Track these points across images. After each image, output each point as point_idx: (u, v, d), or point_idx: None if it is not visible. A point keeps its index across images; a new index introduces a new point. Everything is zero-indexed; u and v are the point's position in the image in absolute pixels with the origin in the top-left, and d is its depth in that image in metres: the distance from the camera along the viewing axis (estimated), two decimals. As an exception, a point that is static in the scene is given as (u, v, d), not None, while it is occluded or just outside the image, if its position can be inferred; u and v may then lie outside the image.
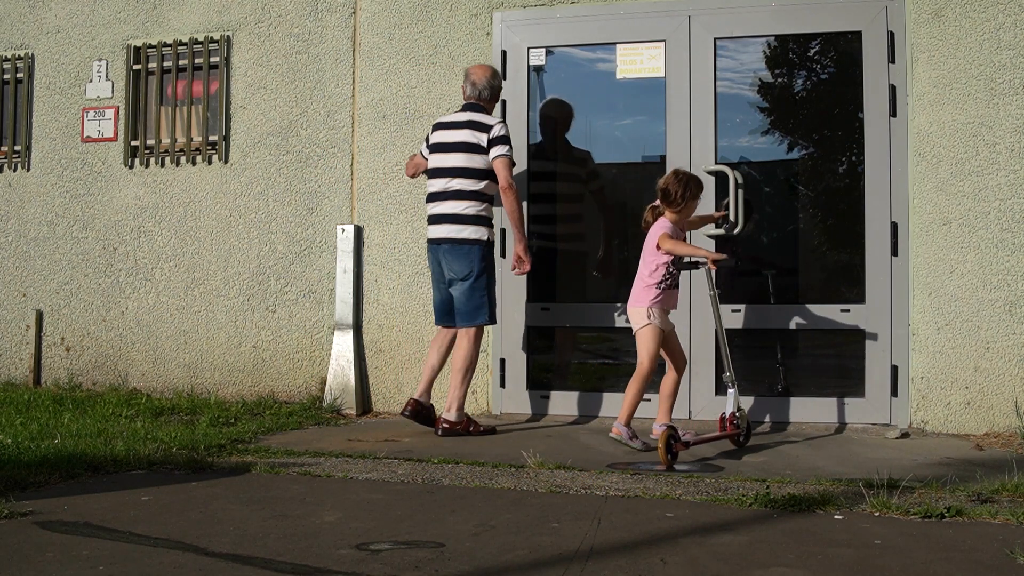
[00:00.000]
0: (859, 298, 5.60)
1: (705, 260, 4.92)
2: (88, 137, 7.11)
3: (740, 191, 5.48)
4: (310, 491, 4.02)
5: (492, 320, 5.57)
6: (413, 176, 5.95)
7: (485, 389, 6.15)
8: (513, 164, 5.49)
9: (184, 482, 4.18)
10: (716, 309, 5.06)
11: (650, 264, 5.04)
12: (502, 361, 6.11)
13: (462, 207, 5.48)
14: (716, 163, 5.73)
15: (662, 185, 5.08)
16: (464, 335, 5.50)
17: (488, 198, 5.53)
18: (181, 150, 6.90)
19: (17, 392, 6.64)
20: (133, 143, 7.01)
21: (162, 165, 6.95)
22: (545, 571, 2.94)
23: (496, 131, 5.48)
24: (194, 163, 6.87)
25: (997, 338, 5.37)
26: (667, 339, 5.08)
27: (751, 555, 3.10)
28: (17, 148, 7.30)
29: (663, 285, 5.00)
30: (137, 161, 7.01)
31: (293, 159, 6.63)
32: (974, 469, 4.26)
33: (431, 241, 5.60)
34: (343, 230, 6.40)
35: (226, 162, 6.78)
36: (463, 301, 5.48)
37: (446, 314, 5.61)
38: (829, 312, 5.65)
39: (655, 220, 5.13)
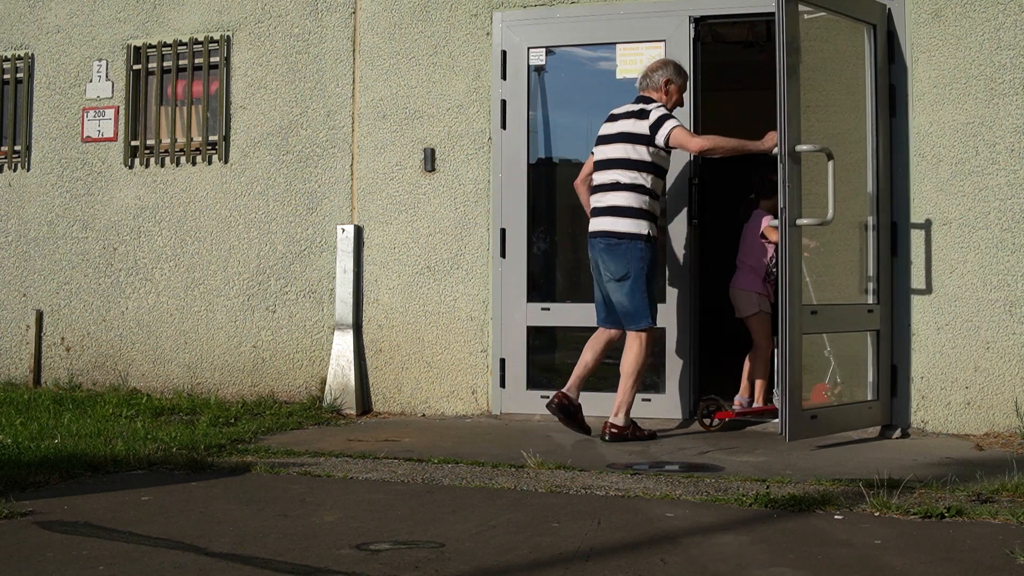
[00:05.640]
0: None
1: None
2: (88, 137, 7.11)
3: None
4: (310, 491, 4.02)
5: (654, 322, 5.28)
6: (583, 183, 5.55)
7: (485, 389, 6.15)
8: (686, 129, 5.31)
9: (184, 482, 4.19)
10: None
11: (764, 251, 5.77)
12: (502, 361, 6.10)
13: (620, 199, 5.24)
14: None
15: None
16: (632, 339, 5.25)
17: (651, 192, 5.26)
18: (181, 150, 6.91)
19: (17, 392, 6.64)
20: (133, 143, 7.01)
21: (162, 165, 6.95)
22: (545, 571, 2.94)
23: (654, 114, 5.26)
24: (194, 163, 6.87)
25: (997, 338, 5.37)
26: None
27: (751, 555, 3.10)
28: (17, 148, 7.30)
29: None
30: (137, 161, 7.01)
31: (293, 159, 6.63)
32: (974, 469, 4.25)
33: (589, 235, 5.39)
34: (343, 230, 6.40)
35: (226, 162, 6.78)
36: (625, 304, 5.22)
37: (604, 312, 5.40)
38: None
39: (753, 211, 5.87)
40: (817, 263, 5.52)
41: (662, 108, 5.32)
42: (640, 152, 5.27)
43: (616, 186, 5.29)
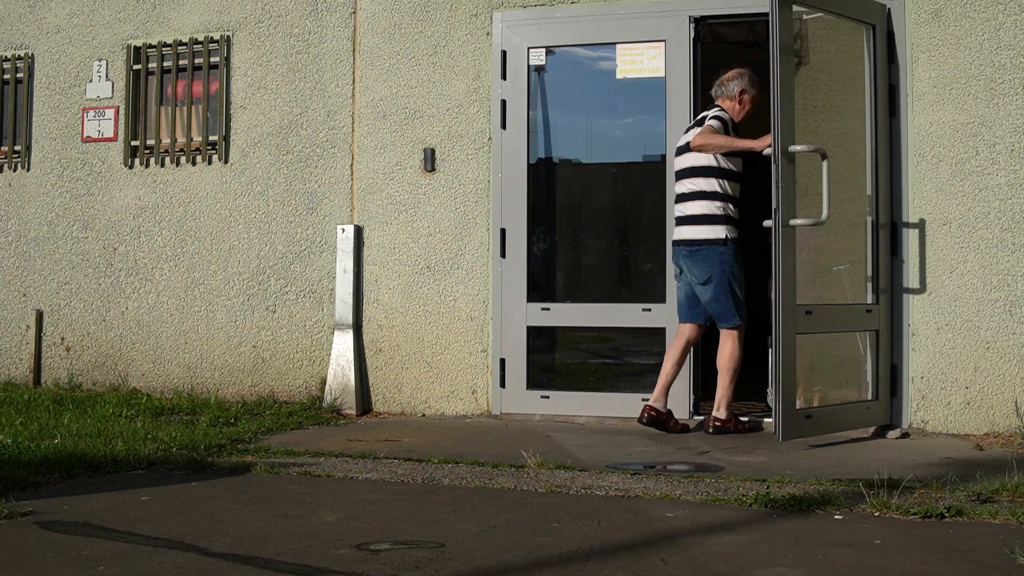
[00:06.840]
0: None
1: None
2: (88, 137, 7.11)
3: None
4: (310, 491, 4.02)
5: (742, 319, 5.46)
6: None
7: (485, 389, 6.15)
8: (717, 131, 5.37)
9: (184, 482, 4.19)
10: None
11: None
12: (502, 361, 6.10)
13: (696, 208, 5.43)
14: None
15: None
16: (724, 336, 5.46)
17: (726, 196, 5.42)
18: (181, 150, 6.91)
19: (17, 392, 6.63)
20: (133, 143, 7.01)
21: (162, 165, 6.95)
22: (545, 571, 2.94)
23: (708, 119, 5.43)
24: (194, 163, 6.87)
25: (997, 338, 5.37)
26: None
27: (751, 555, 3.10)
28: (17, 148, 7.30)
29: None
30: (137, 161, 7.01)
31: (293, 159, 6.63)
32: (974, 469, 4.25)
33: (672, 243, 5.61)
34: (343, 230, 6.40)
35: (226, 162, 6.78)
36: (712, 305, 5.43)
37: (684, 309, 5.55)
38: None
39: None
40: (823, 264, 5.54)
41: (720, 112, 5.46)
42: (705, 159, 5.42)
43: (692, 195, 5.46)
